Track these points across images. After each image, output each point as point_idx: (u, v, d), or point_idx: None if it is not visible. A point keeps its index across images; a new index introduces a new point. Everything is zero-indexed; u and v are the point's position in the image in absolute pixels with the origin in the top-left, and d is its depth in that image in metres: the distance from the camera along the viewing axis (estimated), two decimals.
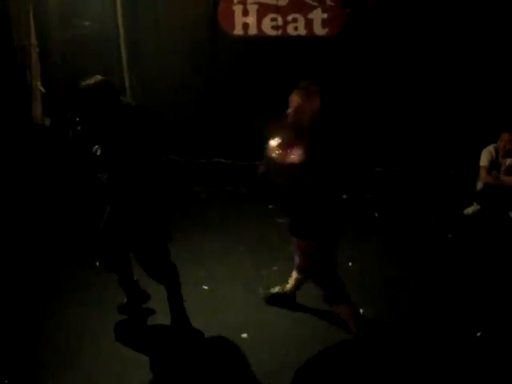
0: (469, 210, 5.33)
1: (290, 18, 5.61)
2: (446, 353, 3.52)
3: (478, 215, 5.26)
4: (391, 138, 5.79)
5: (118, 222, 3.41)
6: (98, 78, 3.16)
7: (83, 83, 3.13)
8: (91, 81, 3.13)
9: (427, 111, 5.67)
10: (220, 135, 6.02)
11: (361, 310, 3.82)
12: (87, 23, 5.83)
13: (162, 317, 3.78)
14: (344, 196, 5.35)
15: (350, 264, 4.44)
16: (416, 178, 5.79)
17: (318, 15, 5.56)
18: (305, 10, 5.56)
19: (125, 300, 3.90)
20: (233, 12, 5.68)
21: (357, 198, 5.46)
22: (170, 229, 3.50)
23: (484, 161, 5.20)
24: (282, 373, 3.38)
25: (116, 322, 3.85)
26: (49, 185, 5.70)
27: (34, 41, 5.88)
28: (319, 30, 5.61)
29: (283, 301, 3.93)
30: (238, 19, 5.68)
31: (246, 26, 5.70)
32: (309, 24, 5.60)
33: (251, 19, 5.64)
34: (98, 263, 3.87)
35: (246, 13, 5.66)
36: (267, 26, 5.67)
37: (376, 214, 5.31)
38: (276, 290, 3.98)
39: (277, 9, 5.59)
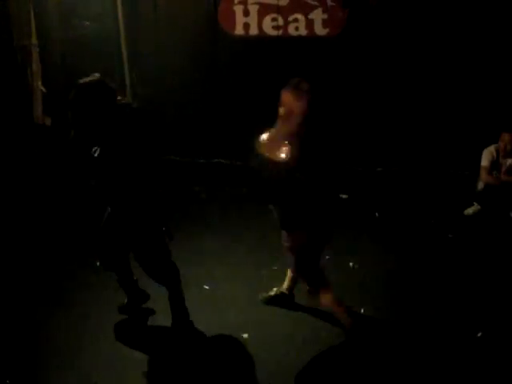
0: (469, 211, 5.33)
1: (290, 18, 5.61)
2: (446, 353, 3.52)
3: (479, 215, 5.25)
4: (392, 138, 5.80)
5: (118, 222, 3.41)
6: (95, 76, 3.15)
7: (79, 81, 3.12)
8: (87, 79, 3.12)
9: (428, 111, 5.67)
10: (220, 135, 6.02)
11: (361, 310, 3.83)
12: (87, 23, 5.84)
13: (162, 317, 3.78)
14: (344, 196, 5.43)
15: (350, 264, 4.44)
16: (416, 178, 5.79)
17: (318, 15, 5.56)
18: (306, 10, 5.56)
19: (125, 300, 3.90)
20: (233, 12, 5.68)
21: (357, 198, 5.48)
22: (170, 229, 3.49)
23: (485, 161, 5.20)
24: (282, 373, 3.38)
25: (116, 322, 3.84)
26: (49, 185, 5.70)
27: (34, 40, 5.90)
28: (320, 30, 5.60)
29: (282, 301, 3.93)
30: (239, 19, 5.68)
31: (246, 26, 5.70)
32: (309, 24, 5.59)
33: (252, 19, 5.65)
34: (98, 263, 3.87)
35: (246, 13, 5.66)
36: (268, 26, 5.67)
37: (376, 214, 5.30)
38: (274, 292, 3.98)
39: (277, 9, 5.58)
